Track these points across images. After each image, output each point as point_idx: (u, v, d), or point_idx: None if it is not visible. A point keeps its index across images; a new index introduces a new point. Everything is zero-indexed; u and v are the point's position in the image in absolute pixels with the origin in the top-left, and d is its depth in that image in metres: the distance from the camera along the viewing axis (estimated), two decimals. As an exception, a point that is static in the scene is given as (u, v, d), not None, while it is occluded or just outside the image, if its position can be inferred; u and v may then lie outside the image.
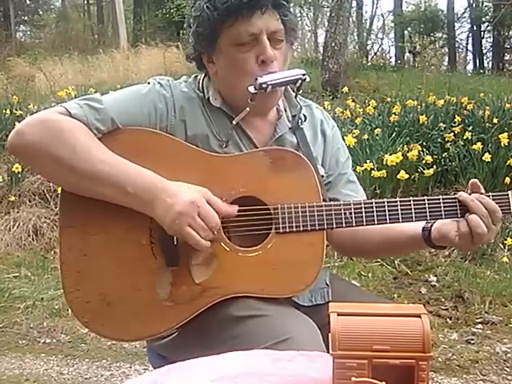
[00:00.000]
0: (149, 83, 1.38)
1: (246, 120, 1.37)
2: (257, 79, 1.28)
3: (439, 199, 1.31)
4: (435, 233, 1.32)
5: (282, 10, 1.32)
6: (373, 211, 1.31)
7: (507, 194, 1.29)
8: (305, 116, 1.46)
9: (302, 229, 1.30)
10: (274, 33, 1.31)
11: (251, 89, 1.29)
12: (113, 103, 1.32)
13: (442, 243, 1.34)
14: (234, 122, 1.35)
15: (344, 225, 1.31)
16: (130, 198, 1.24)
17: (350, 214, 1.31)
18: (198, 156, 1.32)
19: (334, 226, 1.31)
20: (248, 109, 1.33)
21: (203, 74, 1.42)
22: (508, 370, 2.78)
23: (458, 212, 1.29)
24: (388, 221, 1.30)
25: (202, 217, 1.21)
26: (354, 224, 1.31)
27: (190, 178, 1.28)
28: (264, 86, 1.28)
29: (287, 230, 1.29)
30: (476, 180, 1.32)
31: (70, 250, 1.30)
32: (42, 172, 1.40)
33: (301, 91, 1.43)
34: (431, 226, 1.33)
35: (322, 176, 1.44)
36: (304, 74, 1.33)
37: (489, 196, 1.28)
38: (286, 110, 1.45)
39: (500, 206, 1.27)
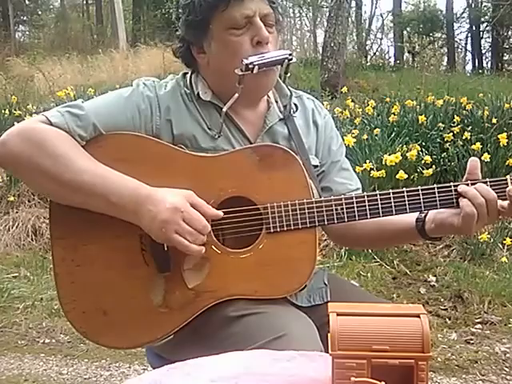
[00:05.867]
0: (136, 85, 1.36)
1: (236, 111, 1.36)
2: (242, 61, 1.27)
3: (434, 188, 1.27)
4: (429, 223, 1.29)
5: None
6: (365, 205, 1.28)
7: (506, 179, 1.27)
8: (296, 105, 1.44)
9: (292, 227, 1.28)
10: (266, 16, 1.30)
11: (237, 71, 1.28)
12: (94, 108, 1.31)
13: (439, 233, 1.31)
14: (224, 109, 1.33)
15: (336, 221, 1.29)
16: (114, 208, 1.23)
17: (342, 209, 1.29)
18: (184, 158, 1.30)
19: (326, 222, 1.29)
20: (237, 94, 1.31)
21: (190, 72, 1.40)
22: (507, 369, 2.78)
23: (454, 200, 1.26)
24: (381, 214, 1.28)
25: (187, 221, 1.20)
26: (345, 219, 1.29)
27: (177, 181, 1.26)
28: (250, 66, 1.26)
29: (278, 229, 1.28)
30: (476, 161, 1.28)
31: (63, 262, 1.30)
32: (27, 182, 1.40)
33: (289, 74, 1.41)
34: (425, 216, 1.31)
35: (316, 166, 1.43)
36: (290, 54, 1.31)
37: (487, 182, 1.26)
38: (277, 102, 1.43)
39: (499, 191, 1.25)
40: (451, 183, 1.28)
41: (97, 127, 1.29)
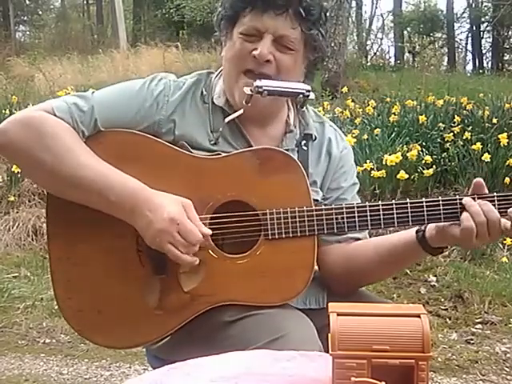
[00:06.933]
0: (150, 80, 1.36)
1: (248, 128, 1.35)
2: (255, 81, 1.26)
3: (438, 201, 1.24)
4: (431, 231, 1.25)
5: (304, 23, 1.29)
6: (366, 215, 1.26)
7: None
8: (315, 136, 1.41)
9: (291, 235, 1.26)
10: (282, 37, 1.28)
11: (247, 90, 1.26)
12: (101, 102, 1.30)
13: (441, 241, 1.27)
14: (226, 121, 1.33)
15: (336, 230, 1.27)
16: (113, 207, 1.22)
17: (342, 218, 1.26)
18: (184, 159, 1.29)
19: (325, 231, 1.27)
20: (242, 110, 1.30)
21: (217, 72, 1.41)
22: (507, 369, 2.78)
23: (459, 214, 1.22)
24: (382, 225, 1.26)
25: (182, 233, 1.19)
26: (346, 229, 1.27)
27: (176, 183, 1.26)
28: (260, 90, 1.24)
29: (276, 236, 1.26)
30: (481, 180, 1.25)
31: (60, 259, 1.30)
32: (26, 173, 1.40)
33: (304, 108, 1.39)
34: (425, 227, 1.27)
35: (317, 200, 1.36)
36: (308, 91, 1.28)
37: (494, 196, 1.23)
38: (295, 127, 1.41)
39: (505, 206, 1.22)
40: (457, 196, 1.25)
41: (97, 124, 1.28)
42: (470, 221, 1.20)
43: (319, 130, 1.43)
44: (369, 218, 1.26)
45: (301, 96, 1.29)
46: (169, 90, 1.34)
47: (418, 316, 0.77)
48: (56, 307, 3.40)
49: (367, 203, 1.28)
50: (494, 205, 1.22)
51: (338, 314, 0.78)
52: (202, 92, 1.36)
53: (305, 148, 1.39)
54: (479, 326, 3.21)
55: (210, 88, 1.37)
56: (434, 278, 3.72)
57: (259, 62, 1.28)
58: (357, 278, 1.39)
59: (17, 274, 3.95)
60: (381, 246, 1.33)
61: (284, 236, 1.26)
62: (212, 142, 1.32)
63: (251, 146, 1.34)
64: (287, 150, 1.36)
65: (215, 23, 1.38)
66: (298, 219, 1.26)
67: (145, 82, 1.35)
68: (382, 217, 1.26)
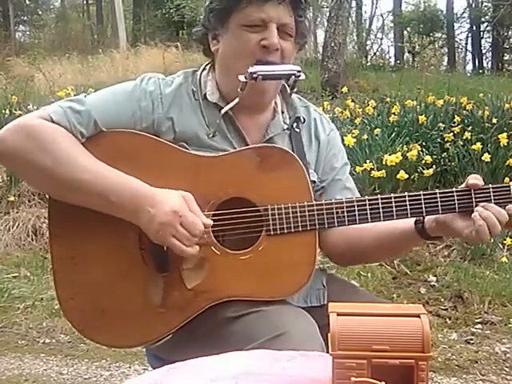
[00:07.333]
0: (140, 80, 1.37)
1: (239, 118, 1.36)
2: (248, 68, 1.27)
3: (435, 194, 1.27)
4: (430, 223, 1.28)
5: (297, 10, 1.32)
6: (366, 209, 1.28)
7: (508, 186, 1.26)
8: (304, 118, 1.44)
9: (293, 230, 1.28)
10: (284, 25, 1.31)
11: (241, 77, 1.27)
12: (96, 104, 1.31)
13: (441, 232, 1.30)
14: (223, 112, 1.34)
15: (336, 224, 1.29)
16: (114, 207, 1.23)
17: (343, 212, 1.28)
18: (184, 158, 1.30)
19: (326, 225, 1.29)
20: (238, 99, 1.31)
21: (202, 69, 1.41)
22: (507, 369, 2.78)
23: (456, 207, 1.26)
24: (382, 218, 1.28)
25: (185, 226, 1.19)
26: (346, 223, 1.29)
27: (177, 181, 1.26)
28: (254, 75, 1.25)
29: (278, 231, 1.27)
30: (475, 179, 1.27)
31: (62, 259, 1.30)
32: (26, 179, 1.40)
33: (295, 90, 1.40)
34: (423, 218, 1.29)
35: (314, 182, 1.41)
36: (299, 71, 1.30)
37: (489, 188, 1.26)
38: (283, 112, 1.43)
39: (501, 197, 1.25)
40: (453, 189, 1.27)
41: (97, 124, 1.29)
42: (486, 230, 1.22)
43: (306, 114, 1.46)
44: (368, 211, 1.28)
45: (293, 77, 1.31)
46: (160, 88, 1.35)
47: (418, 316, 0.77)
48: (56, 307, 3.42)
49: (366, 197, 1.30)
50: (490, 197, 1.26)
51: (337, 314, 0.78)
52: (192, 89, 1.37)
53: (297, 130, 1.42)
54: (479, 326, 3.21)
55: (199, 85, 1.38)
56: (434, 278, 3.72)
57: (269, 50, 1.29)
58: (357, 258, 1.49)
59: (17, 274, 3.95)
60: (381, 233, 1.35)
61: (286, 231, 1.28)
62: (210, 136, 1.33)
63: (243, 137, 1.36)
64: (275, 135, 1.39)
65: (203, 18, 1.38)
66: (299, 214, 1.28)
67: (136, 83, 1.36)
68: (381, 210, 1.28)
